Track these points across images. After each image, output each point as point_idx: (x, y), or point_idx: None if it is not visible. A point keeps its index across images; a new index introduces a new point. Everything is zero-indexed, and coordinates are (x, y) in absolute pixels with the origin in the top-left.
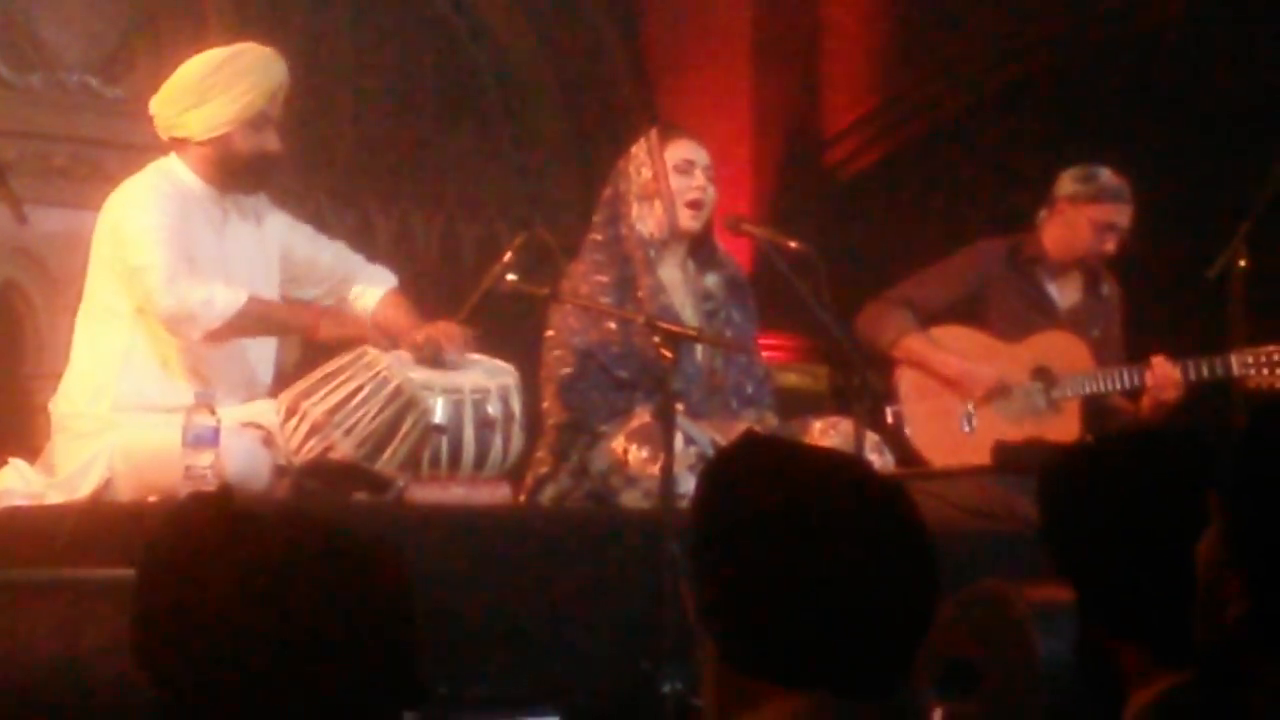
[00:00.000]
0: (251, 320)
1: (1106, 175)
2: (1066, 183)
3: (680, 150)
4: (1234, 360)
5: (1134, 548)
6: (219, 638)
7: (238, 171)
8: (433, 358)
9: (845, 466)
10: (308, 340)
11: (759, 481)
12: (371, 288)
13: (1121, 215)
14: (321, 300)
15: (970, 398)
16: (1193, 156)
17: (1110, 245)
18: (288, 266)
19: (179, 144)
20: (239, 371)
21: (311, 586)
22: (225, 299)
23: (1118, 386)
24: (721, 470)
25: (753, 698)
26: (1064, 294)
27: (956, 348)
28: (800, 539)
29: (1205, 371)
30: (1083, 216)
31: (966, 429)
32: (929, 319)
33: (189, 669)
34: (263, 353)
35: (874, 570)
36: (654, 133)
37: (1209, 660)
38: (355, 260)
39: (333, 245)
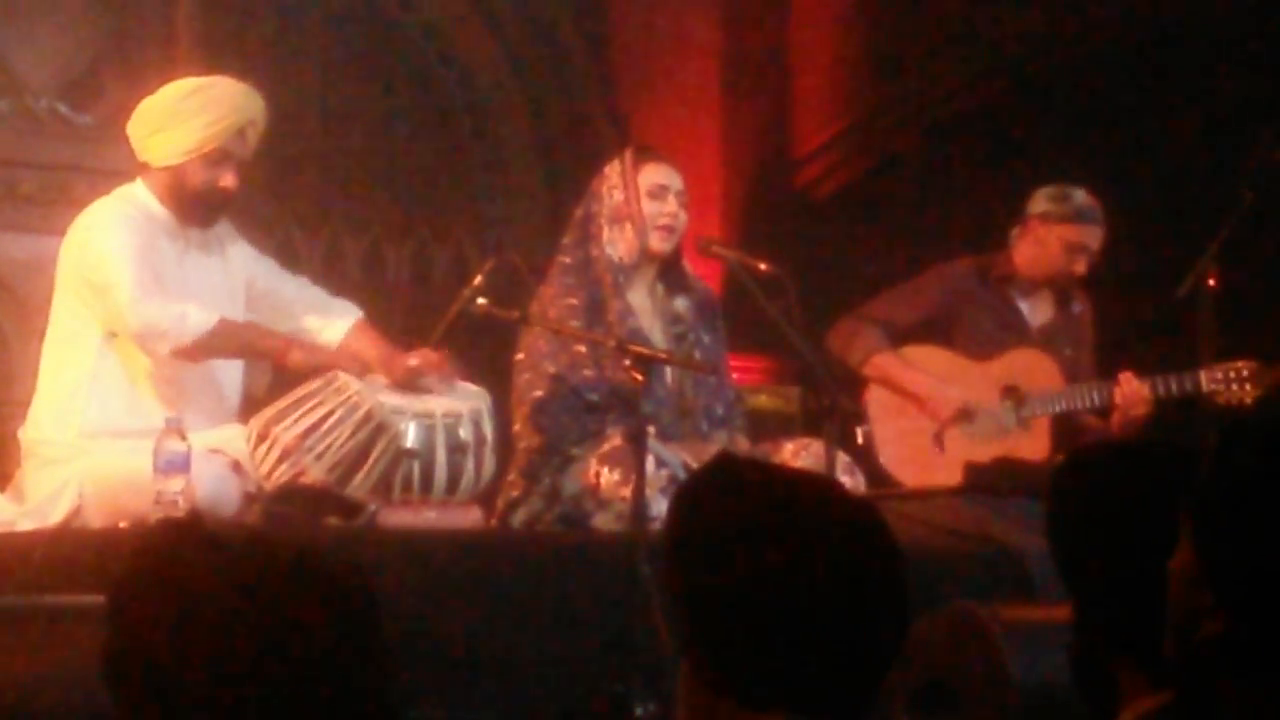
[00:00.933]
0: (222, 340)
1: (1080, 196)
2: (1040, 201)
3: (654, 175)
4: (1203, 376)
5: (1130, 565)
6: (188, 664)
7: (188, 203)
8: (410, 383)
9: (817, 487)
10: (277, 364)
11: (730, 502)
12: (338, 320)
13: (1093, 237)
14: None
15: (939, 418)
16: (1161, 175)
17: (1080, 266)
18: (250, 298)
19: (144, 168)
20: (207, 396)
21: (279, 612)
22: (197, 317)
23: (1087, 404)
24: (693, 491)
25: (724, 718)
26: (1035, 312)
27: (927, 366)
28: (770, 561)
29: (1174, 388)
30: (1054, 236)
31: (936, 449)
32: (900, 337)
33: (158, 695)
34: (231, 377)
35: (845, 593)
36: (628, 155)
37: (1182, 678)
38: (318, 293)
39: (296, 279)
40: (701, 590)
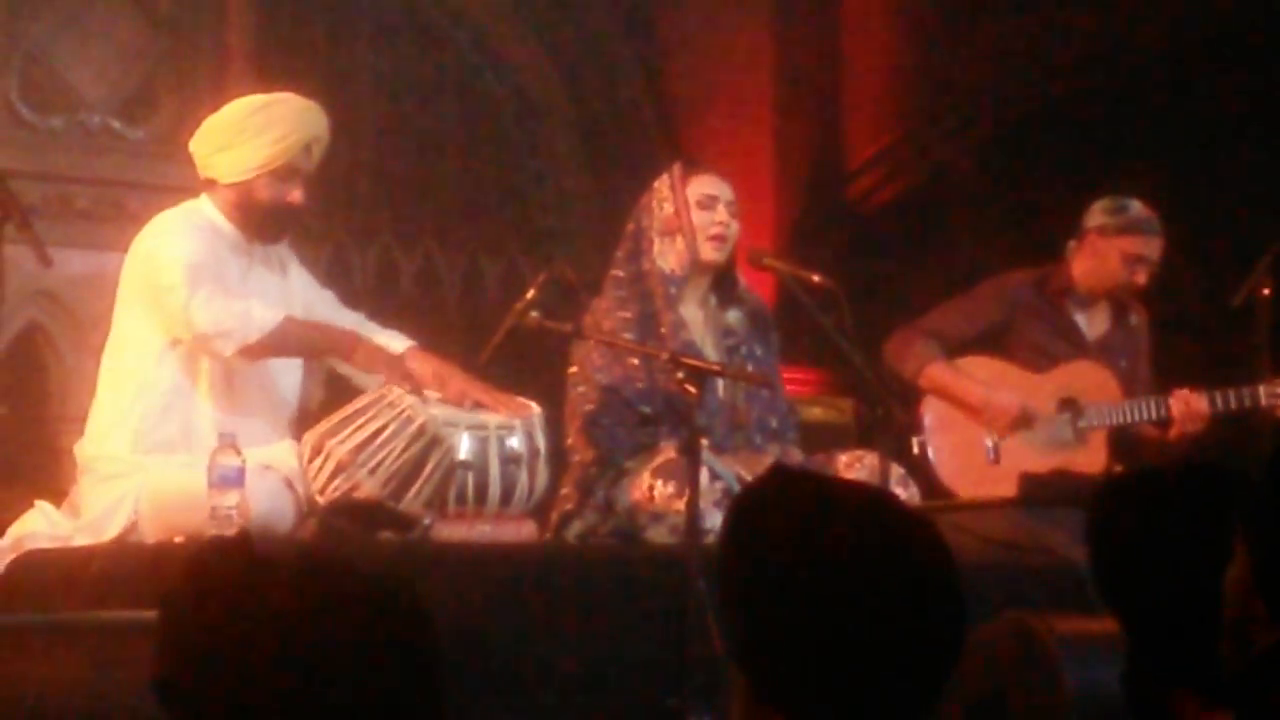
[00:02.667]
0: (288, 338)
1: (1137, 207)
2: (1096, 214)
3: (703, 185)
4: (1262, 391)
5: (1181, 591)
6: (239, 682)
7: (256, 219)
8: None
9: (875, 501)
10: (343, 360)
11: (787, 515)
12: (392, 344)
13: (1152, 248)
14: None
15: (994, 428)
16: (1215, 184)
17: (1141, 277)
18: None
19: (210, 185)
20: (265, 410)
21: (330, 630)
22: (262, 313)
23: (1143, 417)
24: (749, 503)
25: None
26: (1092, 325)
27: (982, 377)
28: (826, 575)
29: (1232, 403)
30: (1113, 248)
31: (992, 460)
32: (955, 349)
33: (212, 711)
34: (288, 388)
35: (898, 608)
36: (677, 168)
37: (1239, 689)
38: (371, 327)
39: (353, 315)
40: (754, 601)
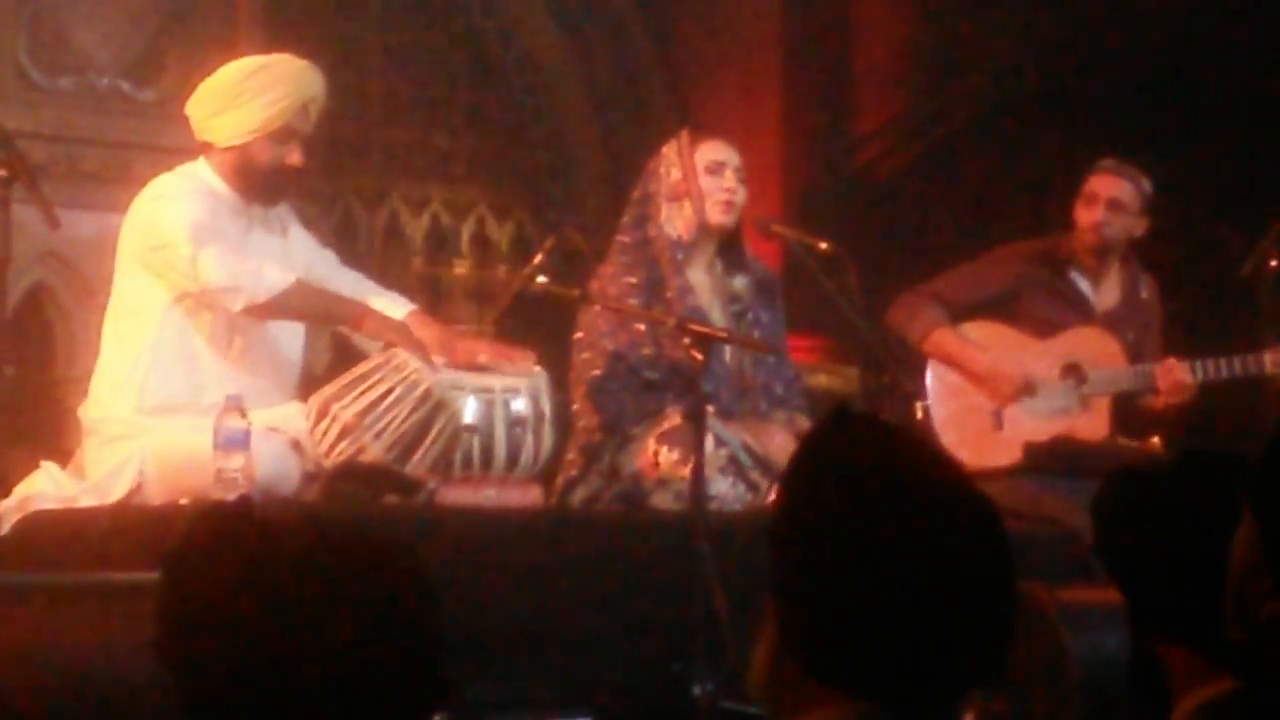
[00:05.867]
0: (298, 300)
1: (1113, 159)
2: None
3: (710, 151)
4: (1267, 358)
5: (1184, 558)
6: (239, 644)
7: (255, 181)
8: (468, 364)
9: (950, 475)
10: (352, 328)
11: (858, 469)
12: (394, 309)
13: (1105, 185)
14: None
15: (998, 398)
16: (1224, 154)
17: (1097, 214)
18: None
19: (207, 148)
20: (269, 372)
21: (330, 592)
22: (274, 274)
23: (1143, 385)
24: (821, 447)
25: (801, 689)
26: (1102, 296)
27: (987, 343)
28: (890, 543)
29: (1223, 371)
30: (1081, 194)
31: (995, 426)
32: (961, 315)
33: (211, 674)
34: (292, 351)
35: (960, 592)
36: (684, 134)
37: (1243, 660)
38: (373, 287)
39: (352, 273)
40: (807, 552)
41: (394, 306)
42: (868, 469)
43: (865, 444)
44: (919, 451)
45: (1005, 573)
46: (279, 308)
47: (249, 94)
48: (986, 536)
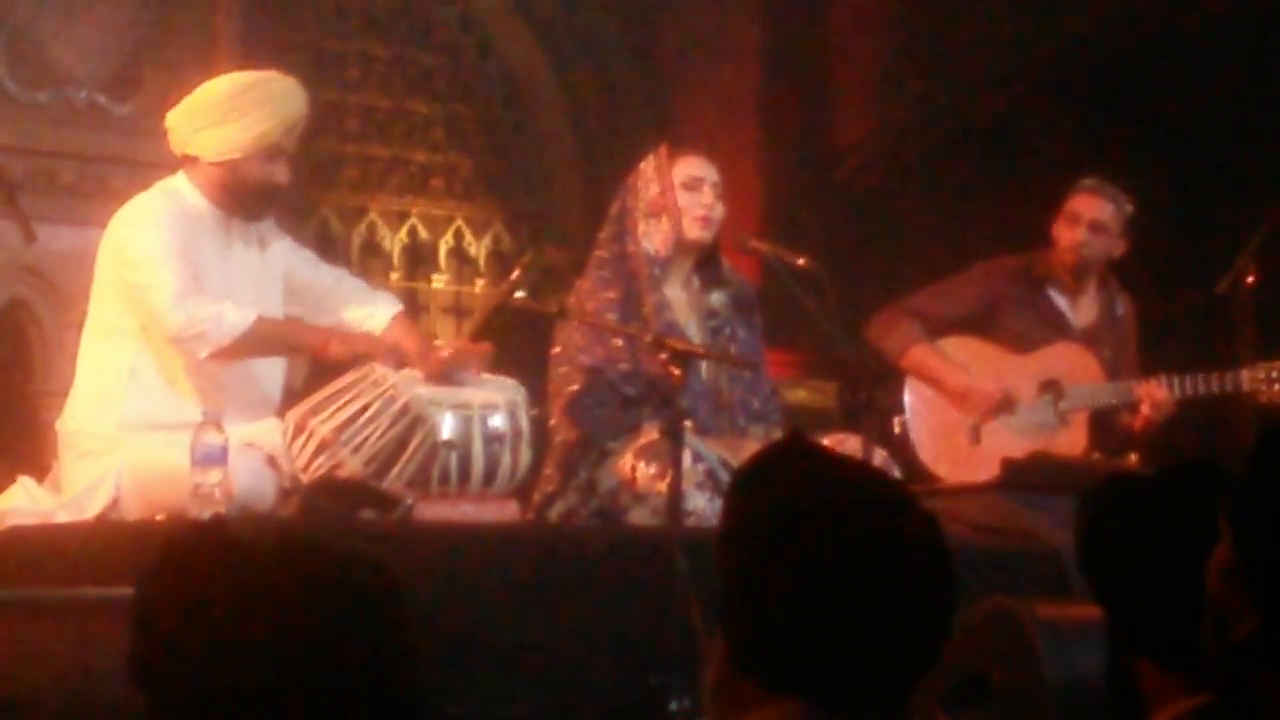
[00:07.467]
0: (260, 339)
1: (1095, 178)
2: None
3: (689, 167)
4: (1244, 375)
5: (1163, 572)
6: (212, 663)
7: (242, 198)
8: (447, 376)
9: (883, 486)
10: (317, 359)
11: (793, 486)
12: (380, 311)
13: (1088, 206)
14: (323, 321)
15: (976, 413)
16: (1201, 171)
17: (1078, 235)
18: (290, 289)
19: (189, 162)
20: (247, 390)
21: (305, 609)
22: (234, 317)
23: (1121, 401)
24: (758, 469)
25: (745, 700)
26: (1079, 314)
27: (965, 359)
28: (826, 554)
29: (1200, 388)
30: (1063, 213)
31: (973, 442)
32: (939, 331)
33: (182, 694)
34: (270, 372)
35: (891, 585)
36: (663, 149)
37: (1218, 678)
38: (357, 284)
39: (335, 270)
40: (747, 566)
41: (382, 304)
42: (801, 480)
43: (810, 460)
44: (856, 466)
45: (941, 576)
46: (243, 348)
47: (241, 110)
48: (921, 543)
